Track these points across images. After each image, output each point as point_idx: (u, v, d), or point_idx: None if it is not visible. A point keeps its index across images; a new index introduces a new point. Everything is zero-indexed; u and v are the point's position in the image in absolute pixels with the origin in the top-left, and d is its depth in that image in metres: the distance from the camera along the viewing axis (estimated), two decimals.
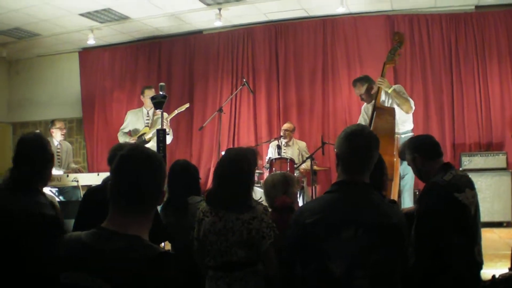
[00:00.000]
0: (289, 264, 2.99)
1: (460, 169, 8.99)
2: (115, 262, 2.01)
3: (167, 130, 8.34)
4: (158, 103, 5.97)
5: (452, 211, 3.78)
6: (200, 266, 3.82)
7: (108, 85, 12.43)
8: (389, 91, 7.17)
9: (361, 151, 2.93)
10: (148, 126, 9.07)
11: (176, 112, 8.95)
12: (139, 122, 9.22)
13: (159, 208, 4.51)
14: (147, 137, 8.93)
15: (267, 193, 4.63)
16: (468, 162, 9.12)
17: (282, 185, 4.66)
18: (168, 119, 8.88)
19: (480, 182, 8.76)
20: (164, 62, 11.97)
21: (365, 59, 10.23)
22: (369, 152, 2.96)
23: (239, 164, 3.68)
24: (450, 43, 10.26)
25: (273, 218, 3.81)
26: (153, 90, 8.97)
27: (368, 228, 2.76)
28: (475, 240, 3.96)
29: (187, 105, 9.15)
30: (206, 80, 11.53)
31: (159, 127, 8.34)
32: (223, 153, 5.08)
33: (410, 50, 10.36)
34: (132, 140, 8.96)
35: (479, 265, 3.97)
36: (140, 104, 9.55)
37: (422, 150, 4.14)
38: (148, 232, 2.20)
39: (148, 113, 9.19)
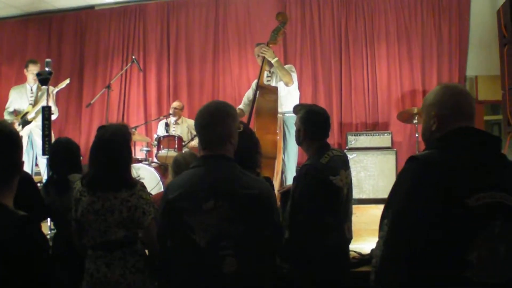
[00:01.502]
0: (161, 238, 3.08)
1: (347, 147, 9.36)
2: None
3: (52, 107, 8.11)
4: (43, 79, 5.84)
5: (326, 195, 3.88)
6: (78, 247, 3.77)
7: None
8: (273, 61, 7.17)
9: (208, 125, 3.00)
10: (31, 104, 8.64)
11: (57, 88, 8.53)
12: (23, 100, 8.73)
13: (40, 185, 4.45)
14: (29, 116, 8.51)
15: (178, 171, 4.61)
16: (354, 141, 9.40)
17: (182, 164, 4.69)
18: (54, 95, 8.51)
19: (366, 161, 9.12)
20: (54, 37, 11.54)
21: (256, 39, 10.15)
22: (215, 125, 3.00)
23: (116, 143, 3.62)
24: (340, 26, 10.53)
25: None
26: (38, 65, 8.57)
27: (228, 199, 2.84)
28: (346, 217, 4.12)
29: (68, 81, 8.74)
30: (97, 57, 11.27)
31: (38, 106, 8.21)
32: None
33: (301, 31, 10.57)
34: (15, 121, 8.46)
35: (348, 241, 4.13)
36: (24, 80, 9.02)
37: (310, 126, 4.13)
38: (12, 200, 2.24)
39: (32, 90, 8.73)
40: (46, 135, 5.95)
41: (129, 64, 10.05)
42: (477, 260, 2.19)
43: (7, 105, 8.87)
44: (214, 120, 3.02)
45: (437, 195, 2.24)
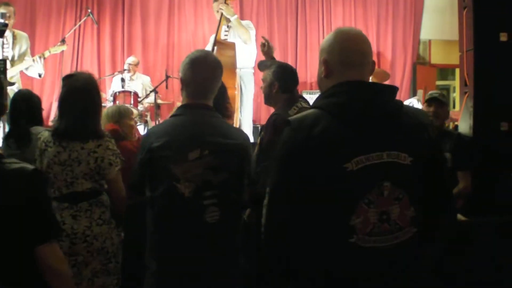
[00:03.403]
0: (138, 187, 3.08)
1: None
2: None
3: (40, 70, 7.86)
4: None
5: None
6: None
7: None
8: (232, 18, 7.20)
9: (205, 77, 3.00)
10: (7, 58, 7.60)
11: (48, 52, 8.03)
12: None
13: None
14: (9, 75, 7.40)
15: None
16: (309, 99, 9.38)
17: (114, 115, 4.78)
18: (42, 59, 7.79)
19: None
20: None
21: None
22: (213, 78, 3.04)
23: (89, 91, 3.59)
24: None
25: None
26: (12, 8, 7.74)
27: (213, 148, 2.87)
28: None
29: (64, 47, 8.40)
30: (50, 11, 10.89)
31: (22, 66, 7.73)
32: None
33: None
34: None
35: None
36: None
37: (284, 79, 4.15)
38: None
39: (6, 40, 7.70)
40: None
41: (84, 18, 9.80)
42: (363, 225, 2.07)
43: None
44: (214, 75, 3.04)
45: (312, 163, 2.08)
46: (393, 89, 2.29)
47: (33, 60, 7.59)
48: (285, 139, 2.20)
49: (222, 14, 7.17)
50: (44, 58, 7.92)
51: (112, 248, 3.56)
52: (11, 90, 7.46)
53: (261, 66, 4.48)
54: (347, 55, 2.24)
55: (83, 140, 3.49)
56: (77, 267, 3.44)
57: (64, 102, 3.59)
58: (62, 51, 8.42)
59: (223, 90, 3.63)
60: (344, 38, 2.29)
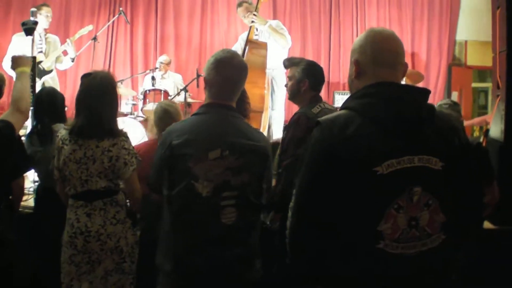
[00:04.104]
0: (156, 186, 3.05)
1: (334, 106, 9.28)
2: None
3: (72, 54, 8.00)
4: (28, 29, 5.70)
5: None
6: (61, 195, 3.72)
7: None
8: (265, 27, 7.17)
9: (229, 79, 2.97)
10: (41, 51, 8.00)
11: (77, 35, 8.33)
12: (28, 48, 8.02)
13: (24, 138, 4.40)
14: (45, 65, 7.99)
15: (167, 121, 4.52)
16: (341, 100, 9.40)
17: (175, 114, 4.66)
18: (72, 42, 8.10)
19: None
20: None
21: None
22: (238, 80, 3.02)
23: (106, 89, 3.56)
24: None
25: None
26: (50, 9, 8.10)
27: (234, 149, 2.84)
28: None
29: (90, 27, 8.64)
30: (83, 10, 10.94)
31: (57, 53, 8.01)
32: None
33: None
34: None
35: None
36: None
37: (313, 77, 4.14)
38: None
39: (40, 36, 7.99)
40: (31, 86, 5.86)
41: (116, 16, 9.87)
42: (392, 230, 2.02)
43: (7, 54, 7.86)
44: (240, 77, 3.03)
45: (342, 165, 2.03)
46: (426, 92, 2.23)
47: (67, 44, 7.91)
48: (315, 140, 2.16)
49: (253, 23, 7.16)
50: (74, 40, 8.21)
51: (126, 248, 3.55)
52: (51, 79, 7.92)
53: (288, 63, 4.37)
54: (379, 55, 2.21)
55: (99, 139, 3.48)
56: (90, 264, 3.46)
57: (80, 100, 3.58)
58: (89, 31, 8.70)
59: (242, 93, 3.57)
60: (376, 38, 2.25)
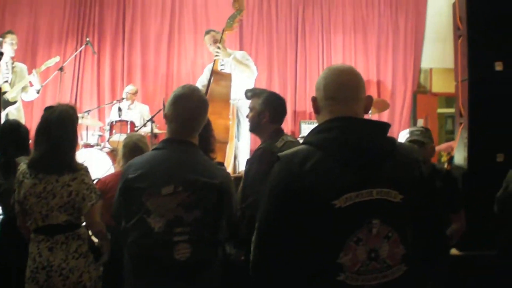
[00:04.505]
0: (116, 217, 3.07)
1: (300, 136, 9.34)
2: None
3: (38, 86, 7.91)
4: None
5: None
6: (22, 229, 3.72)
7: None
8: (230, 59, 7.24)
9: (188, 115, 2.98)
10: (7, 81, 7.98)
11: (44, 66, 8.29)
12: None
13: None
14: (9, 96, 7.93)
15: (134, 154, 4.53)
16: (308, 129, 9.43)
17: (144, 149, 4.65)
18: (38, 74, 8.12)
19: None
20: (8, 15, 10.92)
21: (212, 24, 10.08)
22: (198, 116, 3.02)
23: (62, 125, 3.56)
24: (297, 14, 10.65)
25: None
26: (15, 36, 8.18)
27: (188, 186, 2.85)
28: None
29: (57, 58, 8.59)
30: (51, 39, 10.85)
31: (24, 82, 7.91)
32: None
33: (258, 18, 10.61)
34: None
35: None
36: None
37: (274, 109, 4.07)
38: None
39: (7, 65, 8.00)
40: None
41: (82, 46, 9.86)
42: (351, 263, 2.04)
43: None
44: (199, 113, 3.04)
45: (301, 199, 2.06)
46: (384, 125, 2.28)
47: (33, 75, 7.85)
48: (275, 175, 2.19)
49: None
50: (40, 72, 8.17)
51: (89, 283, 3.52)
52: (15, 110, 7.70)
53: (249, 93, 4.36)
54: (331, 90, 2.24)
55: (58, 173, 3.48)
56: None
57: (38, 134, 3.62)
58: (56, 62, 8.64)
59: (206, 124, 3.57)
60: (329, 74, 2.30)
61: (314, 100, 2.31)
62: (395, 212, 2.10)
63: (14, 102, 7.94)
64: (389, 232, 2.08)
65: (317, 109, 2.31)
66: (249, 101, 4.25)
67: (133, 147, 4.47)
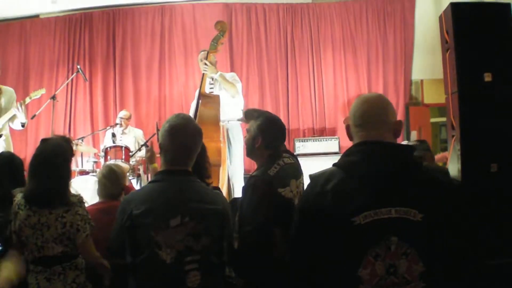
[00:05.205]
0: (118, 253, 3.05)
1: (294, 153, 9.29)
2: None
3: (23, 119, 7.70)
4: None
5: (275, 208, 3.74)
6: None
7: None
8: (216, 76, 7.30)
9: (184, 145, 3.03)
10: None
11: (28, 99, 8.11)
12: None
13: None
14: None
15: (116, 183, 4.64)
16: (302, 147, 9.48)
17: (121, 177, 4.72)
18: (23, 106, 7.81)
19: (314, 166, 9.10)
20: None
21: (202, 47, 10.10)
22: (193, 146, 3.08)
23: (55, 160, 3.61)
24: (286, 34, 10.75)
25: None
26: None
27: (194, 215, 2.89)
28: None
29: (43, 90, 8.49)
30: (42, 67, 10.96)
31: (7, 116, 7.76)
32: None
33: (247, 38, 10.69)
34: None
35: None
36: None
37: (269, 135, 3.92)
38: None
39: None
40: None
41: (74, 74, 9.89)
42: (370, 276, 2.19)
43: None
44: (195, 143, 3.09)
45: (323, 216, 2.29)
46: (407, 148, 2.48)
47: (17, 108, 7.59)
48: (304, 194, 2.56)
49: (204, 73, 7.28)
50: (26, 104, 7.88)
51: None
52: (3, 141, 7.64)
53: (247, 116, 4.21)
54: (359, 117, 2.48)
55: (51, 207, 3.51)
56: None
57: (32, 166, 3.64)
58: (42, 94, 8.46)
59: (201, 150, 3.56)
60: (356, 102, 2.54)
61: (347, 128, 2.56)
62: (414, 231, 2.22)
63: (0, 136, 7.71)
64: (407, 249, 2.20)
65: (350, 135, 2.55)
66: (239, 122, 4.25)
67: (108, 172, 4.60)
